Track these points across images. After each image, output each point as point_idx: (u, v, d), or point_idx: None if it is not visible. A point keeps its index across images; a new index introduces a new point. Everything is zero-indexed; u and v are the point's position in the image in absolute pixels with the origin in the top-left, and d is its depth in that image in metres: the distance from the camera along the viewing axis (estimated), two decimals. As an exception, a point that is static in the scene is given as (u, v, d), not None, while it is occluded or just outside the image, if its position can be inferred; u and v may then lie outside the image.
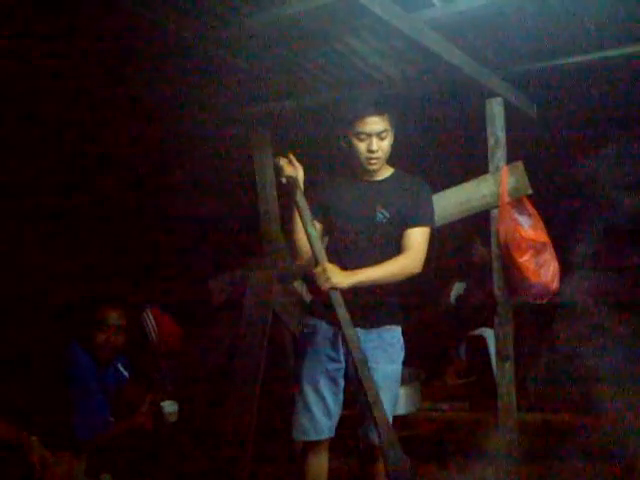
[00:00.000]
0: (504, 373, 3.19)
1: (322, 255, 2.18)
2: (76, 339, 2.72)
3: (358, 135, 2.29)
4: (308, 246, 2.27)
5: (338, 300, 2.14)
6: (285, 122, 3.77)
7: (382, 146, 2.31)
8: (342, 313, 2.13)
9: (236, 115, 3.66)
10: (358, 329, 2.33)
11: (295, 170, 2.25)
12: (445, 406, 3.87)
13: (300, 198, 2.21)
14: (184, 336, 4.12)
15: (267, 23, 2.56)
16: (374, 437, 2.36)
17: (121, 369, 2.87)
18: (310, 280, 2.43)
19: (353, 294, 2.21)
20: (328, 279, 2.13)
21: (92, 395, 2.65)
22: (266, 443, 3.44)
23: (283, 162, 2.26)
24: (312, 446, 2.40)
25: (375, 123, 2.28)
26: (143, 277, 4.41)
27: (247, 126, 3.71)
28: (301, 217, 2.21)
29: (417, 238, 2.33)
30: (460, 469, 3.12)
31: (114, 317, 2.77)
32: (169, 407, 2.84)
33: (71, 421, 2.56)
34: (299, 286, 3.67)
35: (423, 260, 2.34)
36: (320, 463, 2.42)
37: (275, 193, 3.77)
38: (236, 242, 4.27)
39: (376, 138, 2.29)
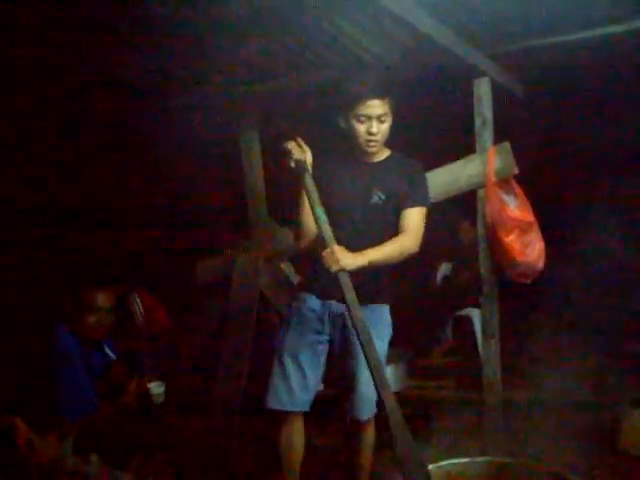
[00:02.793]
0: (489, 351, 3.22)
1: (330, 237, 2.19)
2: (62, 321, 2.70)
3: (358, 117, 2.32)
4: (313, 229, 2.29)
5: (346, 282, 2.16)
6: (273, 104, 3.74)
7: (382, 129, 2.34)
8: (350, 295, 2.14)
9: (223, 97, 3.62)
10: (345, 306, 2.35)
11: (304, 154, 2.26)
12: (431, 384, 3.91)
13: (309, 181, 2.23)
14: (171, 318, 4.11)
15: (255, 2, 2.52)
16: (359, 412, 2.39)
17: (107, 351, 2.86)
18: (313, 260, 2.43)
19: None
20: (337, 261, 2.14)
21: (78, 377, 2.64)
22: (253, 422, 3.46)
23: (292, 146, 2.27)
24: (286, 417, 2.42)
25: (376, 106, 2.30)
26: (131, 260, 4.39)
27: (234, 108, 3.67)
28: (310, 199, 2.23)
29: (415, 218, 2.37)
30: (446, 446, 3.17)
31: (104, 299, 2.76)
32: (156, 388, 2.84)
33: (57, 403, 2.55)
34: (286, 267, 3.67)
35: (420, 240, 2.37)
36: (293, 435, 2.44)
37: (262, 174, 3.75)
38: (223, 223, 4.25)
39: (376, 121, 2.31)
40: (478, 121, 3.22)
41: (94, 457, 2.62)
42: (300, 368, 2.39)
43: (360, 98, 2.29)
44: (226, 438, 3.39)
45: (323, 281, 2.35)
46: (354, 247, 2.23)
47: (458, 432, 3.17)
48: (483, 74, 3.22)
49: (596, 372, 3.45)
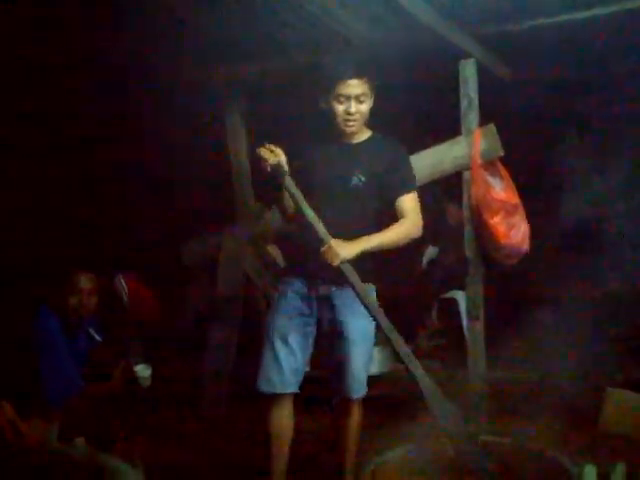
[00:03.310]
0: (474, 333, 3.25)
1: (325, 233, 2.21)
2: (45, 303, 2.70)
3: (337, 97, 2.31)
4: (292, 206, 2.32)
5: (351, 271, 2.19)
6: (257, 84, 3.71)
7: (360, 109, 2.33)
8: (358, 283, 2.18)
9: (206, 78, 3.58)
10: (332, 287, 2.37)
11: (277, 157, 2.26)
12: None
13: (289, 183, 2.25)
14: (157, 300, 4.09)
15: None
16: (350, 391, 2.41)
17: (93, 333, 2.86)
18: (297, 243, 2.44)
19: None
20: (337, 255, 2.17)
21: (63, 359, 2.64)
22: (241, 404, 3.47)
23: (264, 152, 2.27)
24: (276, 399, 2.44)
25: (355, 86, 2.29)
26: (116, 242, 4.36)
27: (218, 89, 3.64)
28: (295, 200, 2.25)
29: (411, 203, 2.39)
30: (430, 426, 3.19)
31: (86, 281, 2.77)
32: (143, 371, 2.85)
33: (42, 386, 2.55)
34: (273, 250, 3.66)
35: (421, 223, 2.40)
36: (283, 417, 2.45)
37: (247, 156, 3.73)
38: (209, 205, 4.23)
39: (355, 101, 2.31)
40: (464, 103, 3.22)
41: (80, 441, 2.62)
42: (291, 350, 2.40)
43: (339, 78, 2.29)
44: (214, 422, 3.40)
45: (308, 264, 2.36)
46: (335, 229, 2.23)
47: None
48: (469, 56, 3.21)
49: (578, 352, 3.49)
